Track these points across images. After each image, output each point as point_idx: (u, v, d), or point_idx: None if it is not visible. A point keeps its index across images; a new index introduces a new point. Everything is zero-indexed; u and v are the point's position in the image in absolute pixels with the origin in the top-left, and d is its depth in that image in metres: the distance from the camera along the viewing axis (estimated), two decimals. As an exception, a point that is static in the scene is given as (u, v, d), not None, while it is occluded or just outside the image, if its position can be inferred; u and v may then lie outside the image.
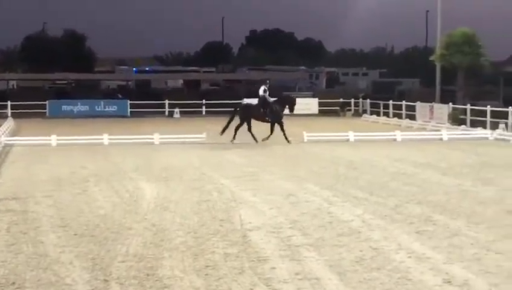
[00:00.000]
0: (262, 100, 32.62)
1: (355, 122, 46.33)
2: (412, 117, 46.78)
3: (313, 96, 59.50)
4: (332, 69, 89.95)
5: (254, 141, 30.95)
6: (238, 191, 17.65)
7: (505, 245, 11.74)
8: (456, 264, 10.61)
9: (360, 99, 57.93)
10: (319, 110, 56.72)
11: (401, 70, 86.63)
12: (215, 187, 18.33)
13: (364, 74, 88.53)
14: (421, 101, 48.21)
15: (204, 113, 56.26)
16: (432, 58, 49.09)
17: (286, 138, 31.17)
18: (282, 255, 11.21)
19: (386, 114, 50.64)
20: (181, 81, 69.69)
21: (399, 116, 48.32)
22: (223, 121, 32.59)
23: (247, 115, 32.11)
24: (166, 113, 55.63)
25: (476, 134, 35.17)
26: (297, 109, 56.08)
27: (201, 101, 57.13)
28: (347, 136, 32.95)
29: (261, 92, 32.93)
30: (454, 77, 48.86)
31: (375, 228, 13.14)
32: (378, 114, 51.39)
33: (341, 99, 57.69)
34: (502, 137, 33.62)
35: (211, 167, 22.91)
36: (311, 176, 20.67)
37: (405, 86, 72.79)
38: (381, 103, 52.30)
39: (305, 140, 31.87)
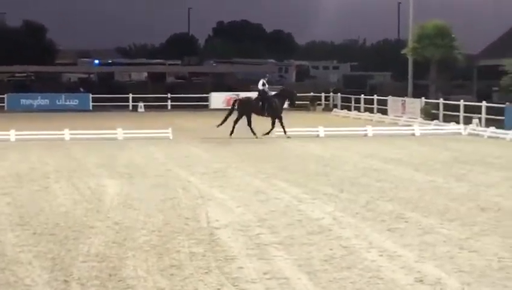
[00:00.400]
0: (262, 94, 32.66)
1: (325, 117, 46.47)
2: (384, 112, 47.03)
3: (282, 90, 59.47)
4: (302, 62, 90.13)
5: (254, 136, 30.95)
6: (204, 188, 17.62)
7: (478, 243, 11.83)
8: (429, 262, 10.67)
9: (331, 94, 58.12)
10: (289, 104, 56.62)
11: (372, 63, 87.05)
12: (181, 184, 18.28)
13: (335, 68, 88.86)
14: (393, 96, 48.48)
15: (169, 107, 56.14)
16: (403, 51, 49.33)
17: (285, 132, 31.47)
18: (250, 254, 11.20)
19: (357, 108, 50.87)
20: (145, 74, 69.41)
21: (370, 110, 48.57)
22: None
23: (245, 109, 32.09)
24: (130, 107, 55.43)
25: (449, 129, 35.43)
26: (266, 103, 56.42)
27: (166, 95, 56.98)
28: (317, 131, 33.05)
29: (260, 85, 32.96)
30: (427, 70, 49.16)
31: (346, 226, 13.18)
32: (349, 108, 51.60)
33: (311, 94, 57.80)
34: (475, 132, 33.91)
35: (177, 163, 22.85)
36: (280, 172, 20.68)
37: (377, 80, 73.22)
38: (353, 97, 52.54)
39: (274, 135, 31.86)
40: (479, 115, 36.99)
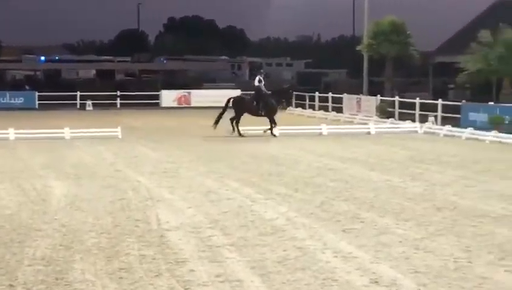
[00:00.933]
0: (257, 92, 32.34)
1: (279, 115, 46.45)
2: (339, 110, 47.27)
3: (235, 88, 59.59)
4: (256, 59, 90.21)
5: (233, 132, 31.04)
6: (154, 189, 17.56)
7: (434, 243, 11.95)
8: (384, 263, 10.75)
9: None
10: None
11: (327, 60, 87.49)
12: (131, 185, 18.19)
13: (289, 65, 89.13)
14: (348, 93, 48.76)
15: (119, 105, 55.82)
16: (359, 47, 49.59)
17: (271, 131, 31.38)
18: (202, 256, 11.19)
19: (312, 107, 51.08)
20: (94, 72, 68.99)
21: (325, 108, 48.78)
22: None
23: (240, 108, 31.88)
24: (78, 105, 55.04)
25: (405, 127, 35.75)
26: (219, 101, 56.36)
27: (115, 93, 56.65)
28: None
29: (256, 82, 32.64)
30: (383, 67, 49.53)
31: (300, 227, 13.23)
32: (303, 107, 51.78)
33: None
34: (431, 130, 34.26)
35: (126, 163, 22.74)
36: (232, 172, 20.69)
37: (331, 77, 73.65)
38: (307, 95, 52.70)
39: (226, 134, 31.82)
40: (435, 113, 37.37)
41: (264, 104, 31.93)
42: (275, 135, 31.37)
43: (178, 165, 22.28)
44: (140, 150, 26.54)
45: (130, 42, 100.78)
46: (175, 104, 55.97)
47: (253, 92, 33.19)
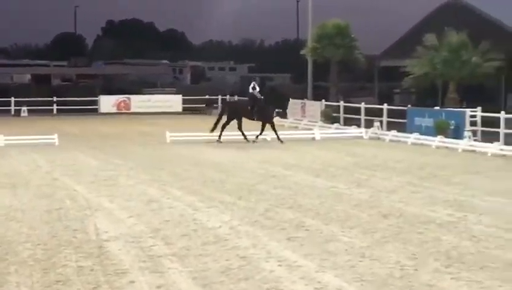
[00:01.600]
0: (252, 98, 32.99)
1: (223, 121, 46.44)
2: (283, 115, 47.39)
3: (176, 93, 59.48)
4: (198, 63, 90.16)
5: (244, 140, 31.56)
6: (93, 198, 17.44)
7: (379, 251, 12.07)
8: (329, 272, 10.83)
9: (228, 96, 58.25)
10: (183, 107, 56.70)
11: (271, 64, 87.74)
12: (68, 194, 18.04)
13: (232, 69, 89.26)
14: (293, 98, 48.89)
15: (55, 111, 55.21)
16: (303, 51, 49.73)
17: (258, 136, 32.08)
18: (143, 267, 11.15)
19: (256, 112, 51.09)
20: (29, 76, 68.19)
21: (269, 114, 48.79)
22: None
23: (235, 113, 32.62)
24: (12, 111, 54.33)
25: (350, 133, 36.05)
26: (159, 107, 56.39)
27: (52, 99, 56.06)
28: (213, 136, 33.01)
29: (250, 89, 33.37)
30: (328, 72, 49.79)
31: (244, 235, 13.25)
32: (247, 112, 51.78)
33: (207, 96, 57.86)
34: (376, 136, 34.59)
35: (63, 171, 22.53)
36: (174, 179, 20.65)
37: (276, 82, 73.86)
38: (250, 100, 52.70)
39: (168, 141, 31.77)
40: (381, 118, 37.71)
41: (258, 109, 32.53)
42: (281, 141, 31.77)
43: (118, 173, 22.16)
44: (78, 158, 26.32)
45: (66, 46, 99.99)
46: (114, 110, 55.55)
47: (247, 98, 33.92)
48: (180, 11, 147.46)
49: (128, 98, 56.79)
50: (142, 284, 10.26)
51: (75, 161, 25.27)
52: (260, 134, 32.29)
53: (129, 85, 64.62)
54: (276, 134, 32.18)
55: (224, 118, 32.55)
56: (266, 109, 32.66)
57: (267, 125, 32.33)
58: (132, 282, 10.35)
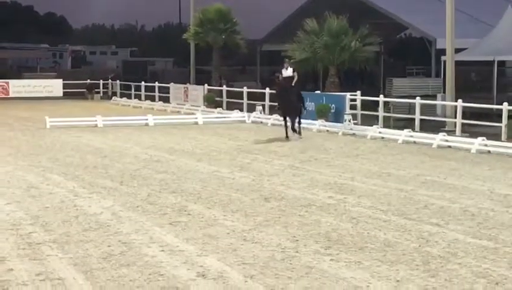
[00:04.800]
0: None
1: (104, 106, 46.08)
2: (166, 100, 47.26)
3: (57, 77, 58.46)
4: (78, 47, 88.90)
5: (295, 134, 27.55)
6: (-30, 185, 17.00)
7: (261, 234, 12.18)
8: (211, 256, 10.86)
9: (109, 81, 57.69)
10: (64, 92, 55.72)
11: (153, 49, 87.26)
12: None
13: (114, 53, 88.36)
14: (176, 83, 48.84)
15: None
16: (185, 36, 49.68)
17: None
18: (21, 254, 10.93)
19: (138, 96, 50.81)
20: None
21: (152, 98, 48.63)
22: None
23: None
24: None
25: (233, 117, 36.18)
26: (39, 91, 55.28)
27: None
28: (95, 121, 32.66)
29: (289, 72, 29.45)
30: (211, 56, 49.84)
31: (126, 221, 13.16)
32: (129, 96, 51.45)
33: (88, 81, 57.13)
34: (259, 120, 34.84)
35: None
36: (55, 165, 20.32)
37: (158, 66, 73.50)
38: (133, 84, 52.39)
39: (48, 126, 31.22)
40: (263, 102, 38.00)
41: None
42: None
43: (-5, 159, 21.67)
44: (-46, 144, 25.60)
45: None
46: (-7, 96, 54.24)
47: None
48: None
49: (7, 83, 55.48)
50: (21, 272, 10.06)
51: (-49, 148, 24.57)
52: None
53: (7, 69, 63.18)
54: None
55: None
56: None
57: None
58: (11, 270, 10.14)
